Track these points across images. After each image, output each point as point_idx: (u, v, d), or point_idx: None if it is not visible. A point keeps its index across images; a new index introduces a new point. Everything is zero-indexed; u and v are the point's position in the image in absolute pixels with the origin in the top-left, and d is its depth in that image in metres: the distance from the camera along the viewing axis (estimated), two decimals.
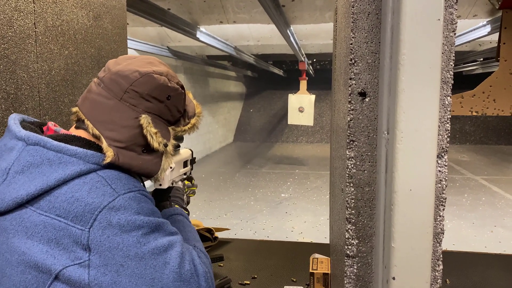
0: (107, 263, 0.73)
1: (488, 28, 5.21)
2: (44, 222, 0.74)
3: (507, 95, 1.52)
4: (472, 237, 4.80)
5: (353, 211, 0.72)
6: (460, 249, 2.12)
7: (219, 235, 1.95)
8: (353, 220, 0.72)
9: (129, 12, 3.69)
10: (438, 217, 0.67)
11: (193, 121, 0.99)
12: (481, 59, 9.50)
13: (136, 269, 0.75)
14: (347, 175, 0.73)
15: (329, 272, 1.44)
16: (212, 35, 6.23)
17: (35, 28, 1.31)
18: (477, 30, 5.49)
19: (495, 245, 4.54)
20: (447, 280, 1.62)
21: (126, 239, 0.75)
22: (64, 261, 0.73)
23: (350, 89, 0.71)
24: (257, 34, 6.49)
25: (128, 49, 2.09)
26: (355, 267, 0.73)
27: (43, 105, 1.36)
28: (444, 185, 0.67)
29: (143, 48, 6.28)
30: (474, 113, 1.54)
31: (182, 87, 0.94)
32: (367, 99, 0.70)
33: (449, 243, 4.41)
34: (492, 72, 1.70)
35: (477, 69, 10.39)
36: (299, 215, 5.71)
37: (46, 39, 1.36)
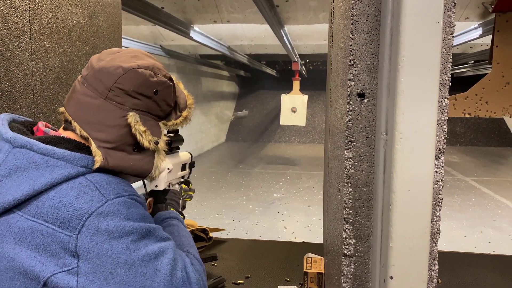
0: (95, 270, 0.71)
1: (479, 31, 5.27)
2: (32, 227, 0.72)
3: (499, 97, 1.54)
4: (462, 238, 4.85)
5: (350, 211, 0.73)
6: (451, 249, 2.14)
7: (213, 234, 1.95)
8: (351, 220, 0.73)
9: (122, 10, 3.67)
10: (435, 217, 0.67)
11: (184, 113, 0.95)
12: (472, 62, 9.60)
13: (126, 277, 0.73)
14: (345, 175, 0.73)
15: (323, 271, 1.44)
16: (206, 34, 6.22)
17: (30, 25, 1.30)
18: (468, 32, 5.55)
19: (484, 245, 4.59)
20: (439, 280, 1.64)
21: (115, 246, 0.72)
22: (52, 267, 0.70)
23: (349, 90, 0.71)
24: (250, 34, 6.50)
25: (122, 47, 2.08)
26: (352, 266, 0.74)
27: (38, 103, 1.35)
28: (441, 186, 0.67)
29: (136, 46, 6.25)
30: (467, 115, 1.56)
31: (170, 79, 0.90)
32: (365, 100, 0.71)
33: (440, 243, 4.43)
34: (483, 74, 1.73)
35: (468, 72, 10.50)
36: (291, 215, 5.72)
37: (41, 37, 1.35)
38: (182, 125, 0.96)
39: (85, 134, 0.81)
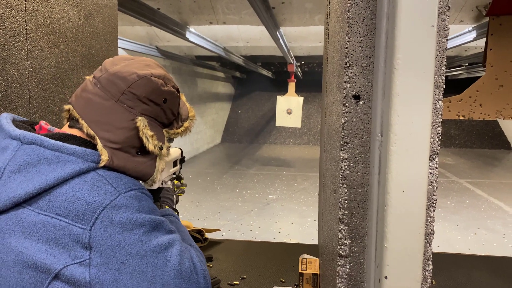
0: (108, 261, 0.74)
1: (473, 34, 5.31)
2: (43, 221, 0.74)
3: (493, 100, 1.56)
4: (456, 239, 4.88)
5: (346, 212, 0.74)
6: (445, 251, 2.15)
7: (209, 235, 1.95)
8: (346, 221, 0.74)
9: (118, 11, 3.67)
10: (429, 218, 0.68)
11: (186, 124, 1.00)
12: (466, 64, 9.66)
13: (138, 267, 0.75)
14: (340, 176, 0.74)
15: (318, 272, 1.45)
16: (202, 36, 6.22)
17: (26, 25, 1.30)
18: (463, 35, 5.59)
19: (478, 247, 4.62)
20: (433, 281, 1.65)
21: (128, 237, 0.75)
22: (64, 260, 0.73)
23: (344, 92, 0.72)
24: (246, 36, 6.51)
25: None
26: (348, 266, 0.74)
27: (33, 103, 1.34)
28: (435, 187, 0.68)
29: (132, 47, 6.24)
30: (461, 117, 1.57)
31: (178, 90, 0.95)
32: (361, 102, 0.72)
33: (434, 245, 4.45)
34: (477, 77, 1.74)
35: (462, 74, 10.57)
36: (286, 216, 5.73)
37: (37, 37, 1.35)
38: (182, 135, 1.00)
39: (91, 132, 0.84)
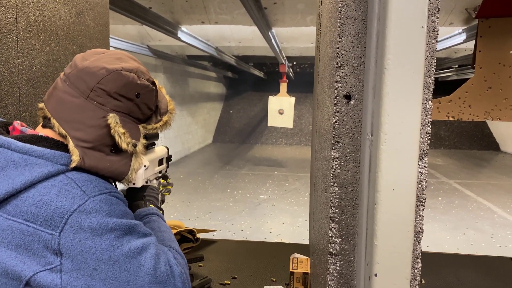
0: (79, 267, 0.71)
1: (463, 36, 5.38)
2: (12, 227, 0.71)
3: (482, 101, 1.58)
4: (445, 239, 4.93)
5: (336, 210, 0.74)
6: (434, 251, 2.18)
7: (201, 235, 1.95)
8: (337, 219, 0.74)
9: (110, 9, 3.64)
10: (418, 216, 0.69)
11: (165, 118, 0.96)
12: (456, 66, 9.77)
13: (110, 273, 0.73)
14: (331, 175, 0.75)
15: (309, 271, 1.46)
16: (193, 35, 6.21)
17: (17, 23, 1.29)
18: (452, 37, 5.66)
19: (467, 247, 4.67)
20: (422, 280, 1.66)
21: (98, 242, 0.73)
22: (35, 266, 0.70)
23: (336, 91, 0.73)
24: (238, 36, 6.51)
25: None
26: (338, 264, 0.75)
27: (23, 101, 1.33)
28: (424, 186, 0.69)
29: (123, 46, 6.21)
30: (451, 118, 1.59)
31: (153, 83, 0.91)
32: (352, 102, 0.72)
33: (423, 245, 4.47)
34: (467, 78, 1.77)
35: (452, 76, 10.67)
36: (278, 216, 5.74)
37: (28, 35, 1.34)
38: (162, 130, 0.97)
39: (63, 132, 0.81)
